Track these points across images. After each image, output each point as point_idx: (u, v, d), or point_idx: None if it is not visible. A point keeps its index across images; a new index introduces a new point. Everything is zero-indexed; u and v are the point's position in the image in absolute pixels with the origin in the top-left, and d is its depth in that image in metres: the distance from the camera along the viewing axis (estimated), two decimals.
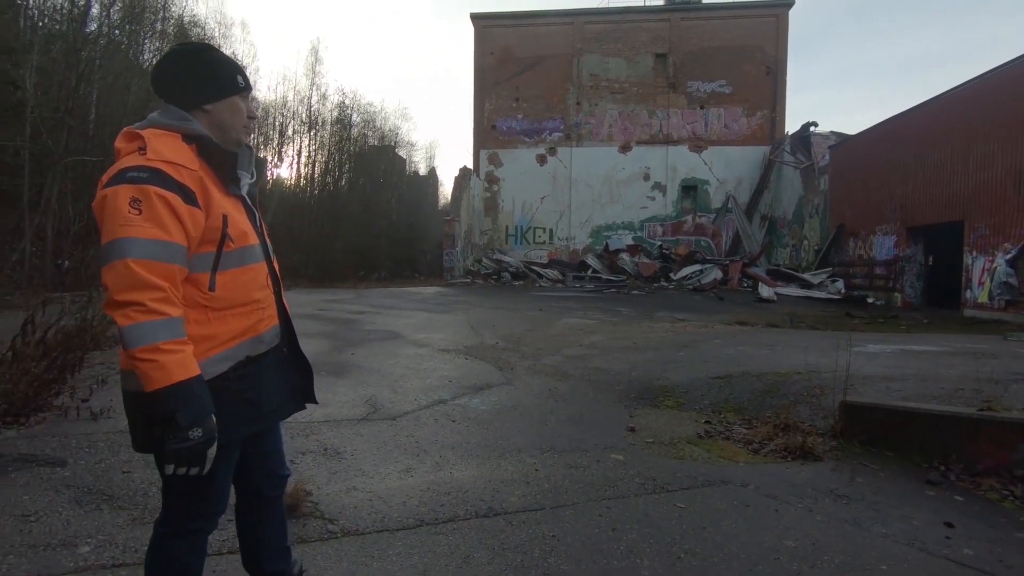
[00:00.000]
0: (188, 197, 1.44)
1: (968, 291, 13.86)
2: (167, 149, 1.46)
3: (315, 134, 29.75)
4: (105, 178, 1.43)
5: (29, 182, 13.24)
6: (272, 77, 65.91)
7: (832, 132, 22.06)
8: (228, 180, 1.59)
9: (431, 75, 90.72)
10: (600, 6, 27.49)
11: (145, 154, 1.43)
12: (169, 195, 1.40)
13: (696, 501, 2.99)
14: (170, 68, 1.58)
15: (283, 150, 27.85)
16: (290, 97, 29.11)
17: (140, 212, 1.36)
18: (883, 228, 17.40)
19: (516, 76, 27.38)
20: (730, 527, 2.71)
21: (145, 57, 19.32)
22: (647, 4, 27.48)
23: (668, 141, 26.54)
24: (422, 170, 46.61)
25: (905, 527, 2.76)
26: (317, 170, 30.38)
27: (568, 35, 27.18)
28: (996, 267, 12.78)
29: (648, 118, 26.73)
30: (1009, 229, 12.63)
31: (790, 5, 26.08)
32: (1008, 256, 12.42)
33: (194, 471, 1.40)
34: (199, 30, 24.68)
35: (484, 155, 27.52)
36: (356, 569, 2.24)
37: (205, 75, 1.58)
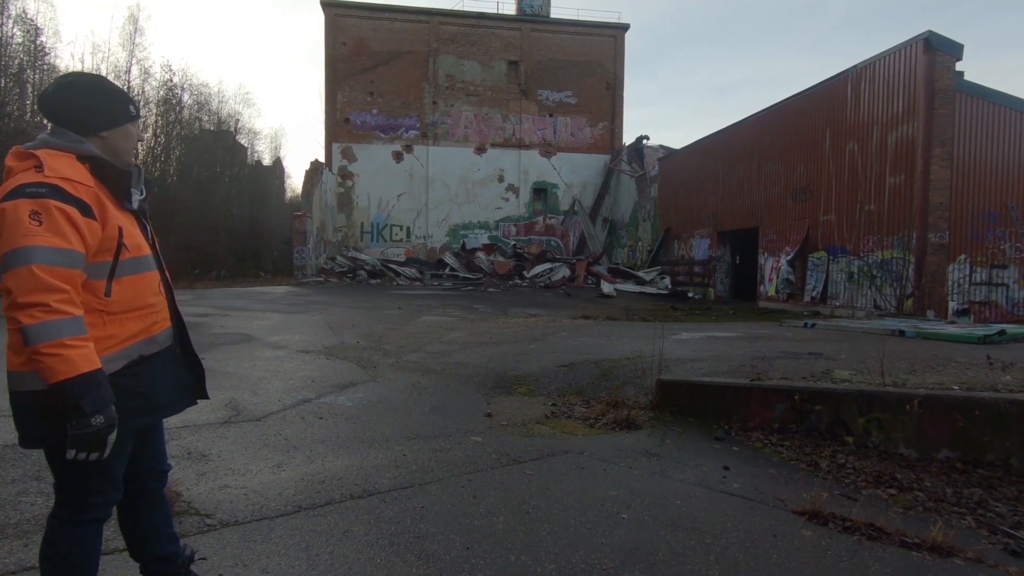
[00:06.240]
0: (85, 210, 1.58)
1: (762, 286, 16.69)
2: (63, 167, 1.59)
3: None
4: (0, 193, 1.53)
5: None
6: (79, 44, 57.07)
7: (661, 145, 24.92)
8: (122, 196, 1.73)
9: (277, 61, 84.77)
10: (455, 8, 28.04)
11: (42, 171, 1.55)
12: (67, 208, 1.54)
13: (542, 469, 3.56)
14: (68, 97, 1.69)
15: None
16: (103, 70, 25.47)
17: (41, 223, 1.49)
18: (700, 232, 20.15)
19: (371, 70, 26.91)
20: (568, 485, 3.29)
21: None
22: (500, 12, 28.60)
23: (520, 145, 27.95)
24: (267, 160, 43.59)
25: (696, 473, 3.56)
26: (140, 154, 27.11)
27: (424, 33, 27.34)
28: (780, 266, 15.57)
29: (502, 122, 27.89)
30: (789, 235, 15.46)
31: (626, 28, 28.89)
32: (789, 258, 15.20)
33: (94, 456, 1.54)
34: None
35: (337, 149, 26.69)
36: (240, 553, 2.42)
37: (103, 106, 1.73)
